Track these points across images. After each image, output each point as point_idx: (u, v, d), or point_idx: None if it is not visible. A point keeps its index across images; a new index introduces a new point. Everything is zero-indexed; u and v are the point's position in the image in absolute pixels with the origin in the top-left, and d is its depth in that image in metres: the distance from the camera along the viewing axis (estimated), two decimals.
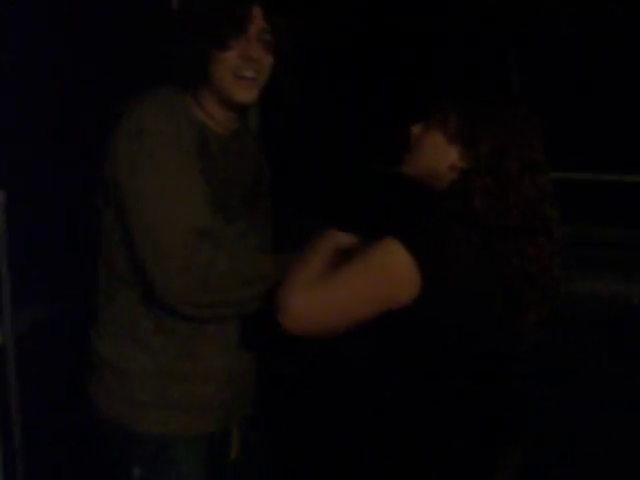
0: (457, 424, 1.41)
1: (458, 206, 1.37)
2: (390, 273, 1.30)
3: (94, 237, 1.54)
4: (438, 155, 1.41)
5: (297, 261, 1.38)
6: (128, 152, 1.42)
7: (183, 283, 1.39)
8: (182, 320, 1.49)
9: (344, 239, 1.56)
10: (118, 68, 2.25)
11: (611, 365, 3.35)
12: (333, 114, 4.32)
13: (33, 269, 1.88)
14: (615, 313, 3.85)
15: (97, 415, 1.56)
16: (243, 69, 1.49)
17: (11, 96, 1.80)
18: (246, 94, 1.52)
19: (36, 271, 1.90)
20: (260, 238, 1.68)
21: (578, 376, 3.33)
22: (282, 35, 1.54)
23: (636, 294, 3.99)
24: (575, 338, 3.60)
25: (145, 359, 1.52)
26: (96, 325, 1.57)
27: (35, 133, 1.91)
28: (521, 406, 1.58)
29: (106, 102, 1.54)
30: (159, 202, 1.40)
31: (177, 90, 1.53)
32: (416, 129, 1.46)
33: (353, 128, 4.36)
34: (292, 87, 1.62)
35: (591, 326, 3.68)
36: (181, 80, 1.52)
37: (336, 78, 4.32)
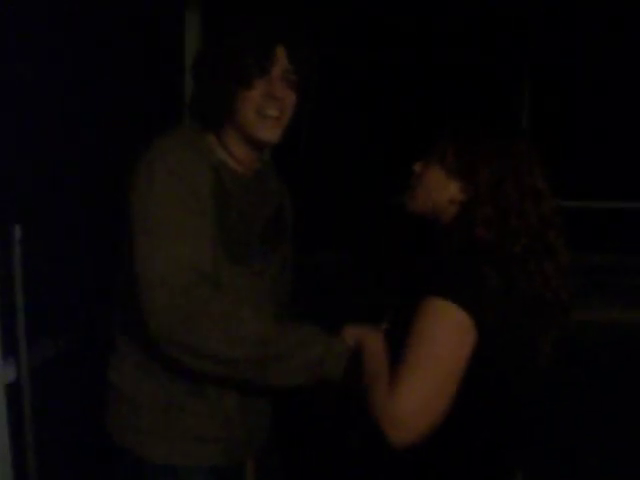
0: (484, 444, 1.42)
1: (464, 240, 1.40)
2: (457, 334, 1.30)
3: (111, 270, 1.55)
4: (438, 190, 1.46)
5: (372, 377, 1.34)
6: (141, 189, 1.43)
7: (166, 321, 1.35)
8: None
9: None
10: (140, 104, 2.28)
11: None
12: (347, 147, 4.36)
13: (48, 303, 1.89)
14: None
15: (109, 443, 1.56)
16: (267, 108, 1.50)
17: (29, 132, 1.82)
18: (270, 133, 1.53)
19: (51, 305, 1.91)
20: (277, 279, 1.67)
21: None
22: (305, 74, 1.55)
23: None
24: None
25: (156, 391, 1.52)
26: (111, 356, 1.58)
27: (53, 167, 1.93)
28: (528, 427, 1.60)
29: (127, 138, 1.55)
30: (161, 238, 1.39)
31: (199, 129, 1.55)
32: (417, 167, 1.51)
33: (367, 160, 4.39)
34: (309, 119, 1.63)
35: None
36: (204, 118, 1.54)
37: (351, 109, 4.37)
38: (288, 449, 1.83)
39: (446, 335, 1.30)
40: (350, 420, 1.52)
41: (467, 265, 1.36)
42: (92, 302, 2.06)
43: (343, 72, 4.29)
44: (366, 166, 4.39)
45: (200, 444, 1.53)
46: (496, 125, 1.49)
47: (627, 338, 3.90)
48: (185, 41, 2.68)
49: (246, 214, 1.56)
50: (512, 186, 1.38)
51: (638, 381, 3.33)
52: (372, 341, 1.42)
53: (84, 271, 2.04)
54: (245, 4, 1.56)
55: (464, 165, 1.42)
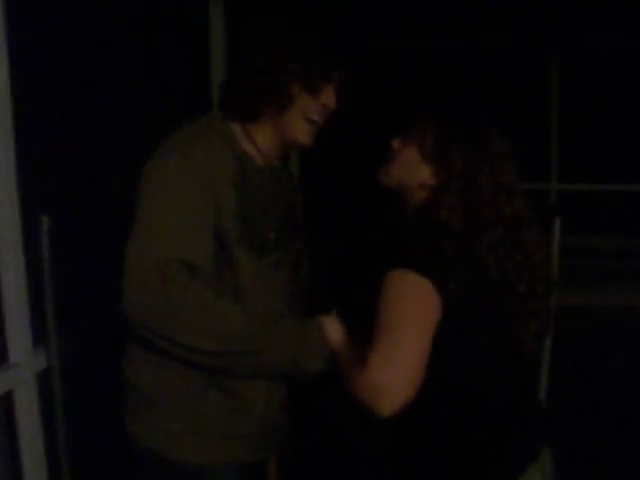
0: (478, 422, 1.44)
1: (430, 223, 1.42)
2: (422, 297, 1.34)
3: None
4: (411, 171, 1.47)
5: (346, 362, 1.42)
6: (146, 173, 1.44)
7: (142, 303, 1.35)
8: None
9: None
10: (171, 95, 2.29)
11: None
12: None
13: (77, 294, 1.90)
14: None
15: (129, 441, 1.56)
16: (315, 114, 1.52)
17: (56, 124, 1.84)
18: (310, 138, 1.56)
19: (80, 295, 1.92)
20: (292, 271, 1.67)
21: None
22: (346, 85, 1.57)
23: None
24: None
25: (178, 389, 1.51)
26: (128, 351, 1.58)
27: (81, 158, 1.94)
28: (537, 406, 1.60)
29: (157, 129, 1.55)
30: (153, 223, 1.39)
31: (225, 117, 1.54)
32: (396, 142, 1.52)
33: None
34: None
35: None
36: (238, 110, 1.53)
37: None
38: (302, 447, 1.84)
39: (411, 300, 1.33)
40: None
41: (426, 237, 1.39)
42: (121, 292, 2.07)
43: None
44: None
45: (225, 442, 1.53)
46: (479, 122, 1.50)
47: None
48: (210, 32, 2.68)
49: (265, 206, 1.56)
50: (486, 178, 1.40)
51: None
52: (332, 331, 1.47)
53: (112, 261, 2.05)
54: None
55: (440, 150, 1.43)
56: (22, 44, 1.63)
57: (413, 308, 1.33)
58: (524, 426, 1.54)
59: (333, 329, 1.49)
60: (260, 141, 1.56)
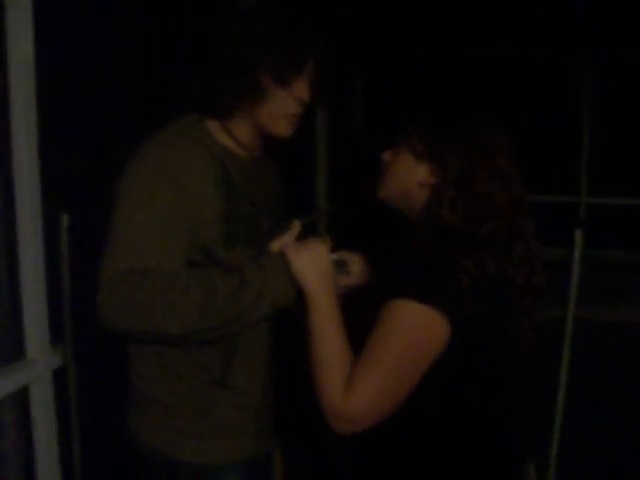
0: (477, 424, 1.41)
1: (432, 225, 1.40)
2: (424, 335, 1.30)
3: None
4: (408, 174, 1.45)
5: (315, 357, 1.34)
6: (121, 180, 1.43)
7: (105, 311, 1.35)
8: (210, 350, 1.48)
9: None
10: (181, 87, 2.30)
11: None
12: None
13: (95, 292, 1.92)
14: None
15: (135, 443, 1.57)
16: (291, 107, 1.49)
17: (75, 123, 1.85)
18: (289, 130, 1.53)
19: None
20: None
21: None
22: (328, 74, 1.54)
23: None
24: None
25: (180, 388, 1.51)
26: (131, 354, 1.57)
27: (101, 156, 1.96)
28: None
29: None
30: (119, 232, 1.38)
31: (197, 117, 1.51)
32: (386, 155, 1.51)
33: None
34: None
35: None
36: (210, 107, 1.50)
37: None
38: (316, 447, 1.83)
39: (407, 337, 1.29)
40: None
41: (438, 260, 1.35)
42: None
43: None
44: None
45: (230, 439, 1.53)
46: (463, 110, 1.49)
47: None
48: None
49: (254, 199, 1.55)
50: (481, 168, 1.37)
51: None
52: (321, 308, 1.36)
53: None
54: None
55: (431, 147, 1.41)
56: (47, 44, 1.65)
57: (406, 348, 1.29)
58: (513, 435, 1.51)
59: (300, 256, 1.39)
60: (239, 135, 1.54)
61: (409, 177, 1.45)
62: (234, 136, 1.54)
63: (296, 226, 1.47)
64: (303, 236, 1.49)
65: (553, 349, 2.56)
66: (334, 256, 1.49)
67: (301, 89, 1.48)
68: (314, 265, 1.39)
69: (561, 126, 5.69)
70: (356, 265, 1.65)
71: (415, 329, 1.29)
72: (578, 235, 2.62)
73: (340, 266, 1.55)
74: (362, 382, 1.27)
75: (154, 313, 1.31)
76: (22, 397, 1.77)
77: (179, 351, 1.49)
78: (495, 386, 1.43)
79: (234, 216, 1.48)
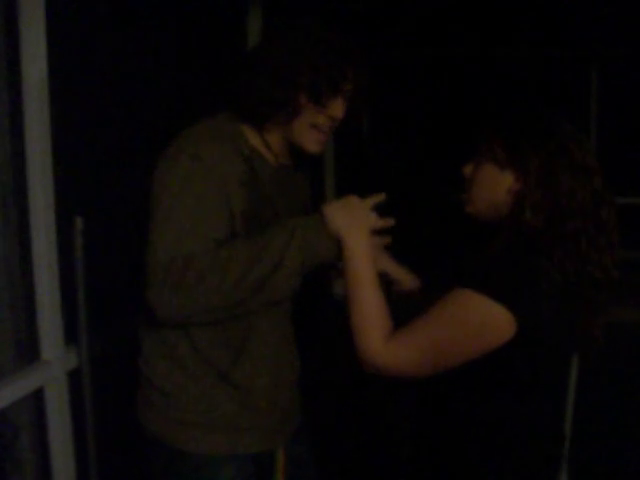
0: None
1: (514, 228, 1.40)
2: (483, 328, 1.33)
3: None
4: (494, 184, 1.44)
5: (354, 302, 1.40)
6: (158, 174, 1.45)
7: (175, 301, 1.36)
8: (218, 347, 1.51)
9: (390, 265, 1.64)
10: (195, 93, 2.31)
11: None
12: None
13: (109, 293, 1.93)
14: None
15: (143, 434, 1.59)
16: (324, 124, 1.51)
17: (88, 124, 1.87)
18: (318, 146, 1.55)
19: (112, 296, 1.95)
20: None
21: None
22: (363, 91, 1.55)
23: None
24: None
25: (187, 382, 1.53)
26: (142, 347, 1.60)
27: (116, 159, 1.97)
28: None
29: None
30: (167, 220, 1.40)
31: (232, 116, 1.54)
32: (467, 169, 1.51)
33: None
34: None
35: None
36: (249, 112, 1.53)
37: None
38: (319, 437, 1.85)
39: (467, 325, 1.32)
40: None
41: (516, 260, 1.36)
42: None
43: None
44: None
45: (233, 433, 1.55)
46: (536, 111, 1.49)
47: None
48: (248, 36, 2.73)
49: (276, 204, 1.57)
50: (562, 165, 1.37)
51: None
52: (363, 265, 1.42)
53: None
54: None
55: (514, 155, 1.41)
56: (58, 47, 1.67)
57: (459, 333, 1.33)
58: (550, 441, 1.53)
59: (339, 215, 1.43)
60: (270, 141, 1.57)
61: (496, 187, 1.44)
62: (265, 141, 1.56)
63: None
64: None
65: None
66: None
67: (336, 108, 1.50)
68: (345, 211, 1.44)
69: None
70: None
71: (477, 318, 1.32)
72: None
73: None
74: (406, 338, 1.35)
75: (208, 289, 1.35)
76: (37, 398, 1.78)
77: (188, 345, 1.52)
78: (547, 378, 1.46)
79: (253, 216, 1.50)
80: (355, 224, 1.43)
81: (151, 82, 2.12)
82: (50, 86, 1.65)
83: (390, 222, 1.48)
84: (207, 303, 1.37)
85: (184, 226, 1.39)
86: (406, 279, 1.73)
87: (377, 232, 1.49)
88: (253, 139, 1.55)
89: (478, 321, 1.32)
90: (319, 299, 1.50)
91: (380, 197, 1.49)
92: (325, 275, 1.79)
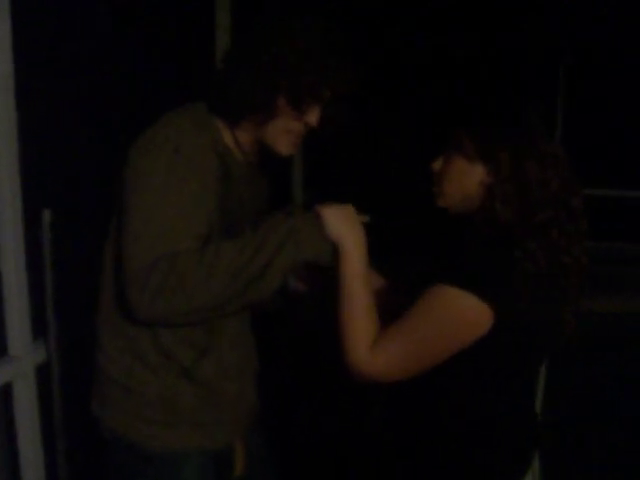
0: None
1: (486, 221, 1.41)
2: (462, 321, 1.34)
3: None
4: (465, 178, 1.45)
5: (343, 310, 1.39)
6: (138, 164, 1.40)
7: (159, 303, 1.32)
8: (181, 345, 1.49)
9: (375, 279, 1.64)
10: (172, 91, 2.29)
11: None
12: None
13: (78, 287, 1.91)
14: None
15: (103, 433, 1.57)
16: (298, 130, 1.50)
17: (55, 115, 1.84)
18: (291, 149, 1.53)
19: (81, 289, 1.92)
20: None
21: None
22: (344, 106, 1.54)
23: None
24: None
25: (149, 377, 1.50)
26: (100, 340, 1.57)
27: (83, 151, 1.94)
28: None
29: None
30: (150, 216, 1.35)
31: (209, 110, 1.51)
32: (436, 164, 1.52)
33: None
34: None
35: None
36: (224, 108, 1.49)
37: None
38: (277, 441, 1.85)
39: (444, 317, 1.34)
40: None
41: (489, 253, 1.37)
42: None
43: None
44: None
45: (193, 429, 1.53)
46: (503, 102, 1.52)
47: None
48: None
49: (243, 200, 1.56)
50: (531, 156, 1.38)
51: None
52: (356, 280, 1.39)
53: None
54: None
55: (482, 147, 1.42)
56: (24, 38, 1.63)
57: (441, 330, 1.35)
58: (527, 428, 1.55)
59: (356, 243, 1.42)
60: (242, 140, 1.54)
61: (467, 180, 1.45)
62: (236, 139, 1.54)
63: None
64: None
65: None
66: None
67: (312, 116, 1.48)
68: (346, 219, 1.43)
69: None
70: None
71: (455, 312, 1.33)
72: None
73: None
74: (389, 343, 1.34)
75: (191, 291, 1.31)
76: (6, 394, 1.75)
77: (150, 340, 1.49)
78: (524, 367, 1.49)
79: (227, 213, 1.48)
80: (355, 231, 1.43)
81: (118, 71, 2.08)
82: (16, 78, 1.61)
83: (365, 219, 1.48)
84: (190, 306, 1.33)
85: (168, 222, 1.35)
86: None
87: None
88: (225, 136, 1.53)
89: (457, 315, 1.33)
90: (278, 294, 1.48)
91: (364, 219, 1.48)
92: None
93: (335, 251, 1.42)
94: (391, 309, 1.44)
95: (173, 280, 1.31)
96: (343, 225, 1.42)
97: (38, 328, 1.79)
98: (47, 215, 1.76)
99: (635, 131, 4.75)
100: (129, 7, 2.16)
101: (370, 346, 1.34)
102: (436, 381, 1.42)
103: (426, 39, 4.24)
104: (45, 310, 1.79)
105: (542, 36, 4.28)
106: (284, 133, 1.49)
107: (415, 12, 3.93)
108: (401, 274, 1.72)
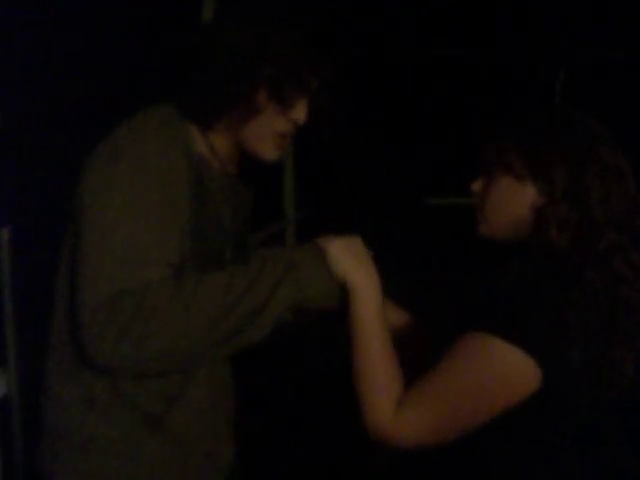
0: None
1: (538, 249, 1.21)
2: (505, 379, 1.14)
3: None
4: (515, 199, 1.25)
5: (359, 360, 1.20)
6: (94, 178, 1.21)
7: (119, 349, 1.12)
8: (146, 395, 1.29)
9: (393, 313, 1.40)
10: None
11: None
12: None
13: (41, 312, 1.78)
14: None
15: None
16: (284, 130, 1.31)
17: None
18: (277, 154, 1.34)
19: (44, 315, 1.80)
20: None
21: None
22: (329, 96, 1.34)
23: None
24: None
25: (105, 428, 1.29)
26: (47, 385, 1.36)
27: (43, 167, 1.83)
28: None
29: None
30: (109, 240, 1.16)
31: (179, 113, 1.30)
32: (476, 185, 1.31)
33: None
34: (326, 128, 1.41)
35: None
36: (195, 111, 1.30)
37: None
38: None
39: (487, 378, 1.13)
40: None
41: (539, 292, 1.17)
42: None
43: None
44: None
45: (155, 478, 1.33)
46: (552, 112, 1.30)
47: None
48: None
49: (222, 222, 1.37)
50: (591, 170, 1.18)
51: None
52: (372, 318, 1.21)
53: None
54: None
55: (534, 164, 1.22)
56: None
57: (490, 389, 1.14)
58: None
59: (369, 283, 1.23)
60: (218, 146, 1.35)
61: (516, 203, 1.24)
62: (212, 146, 1.34)
63: None
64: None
65: None
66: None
67: (300, 111, 1.30)
68: (351, 252, 1.24)
69: None
70: None
71: (497, 369, 1.14)
72: None
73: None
74: (417, 403, 1.15)
75: (164, 334, 1.13)
76: None
77: (107, 387, 1.29)
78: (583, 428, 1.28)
79: (201, 235, 1.29)
80: (365, 265, 1.24)
81: (86, 75, 1.96)
82: None
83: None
84: (162, 352, 1.15)
85: (131, 248, 1.16)
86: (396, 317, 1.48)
87: None
88: (199, 144, 1.32)
89: (500, 371, 1.13)
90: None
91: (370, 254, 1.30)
92: None
93: (342, 291, 1.23)
94: (416, 348, 1.27)
95: (141, 319, 1.12)
96: (351, 259, 1.23)
97: None
98: (5, 233, 1.62)
99: (635, 131, 4.68)
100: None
101: (395, 405, 1.15)
102: (473, 449, 1.23)
103: (419, 44, 4.14)
104: (4, 338, 1.66)
105: (542, 37, 4.20)
106: (268, 134, 1.31)
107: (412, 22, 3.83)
108: (422, 302, 1.53)
